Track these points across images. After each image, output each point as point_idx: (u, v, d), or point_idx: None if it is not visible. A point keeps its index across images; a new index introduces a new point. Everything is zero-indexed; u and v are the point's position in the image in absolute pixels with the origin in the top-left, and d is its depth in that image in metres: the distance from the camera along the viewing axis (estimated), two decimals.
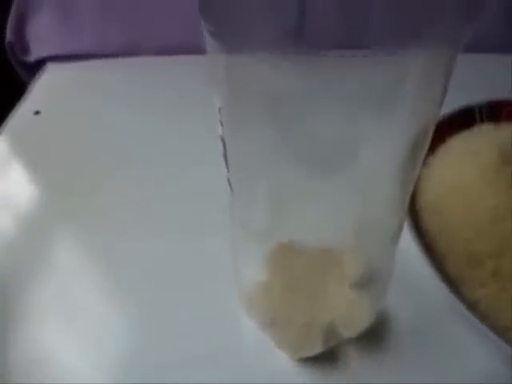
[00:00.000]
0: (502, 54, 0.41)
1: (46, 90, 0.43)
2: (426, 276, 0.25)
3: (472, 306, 0.21)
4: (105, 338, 0.25)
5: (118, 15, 0.44)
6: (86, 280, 0.28)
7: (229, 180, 0.18)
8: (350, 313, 0.23)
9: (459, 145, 0.28)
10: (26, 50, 0.44)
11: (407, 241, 0.23)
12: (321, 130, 0.15)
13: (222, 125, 0.16)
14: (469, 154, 0.27)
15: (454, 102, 0.29)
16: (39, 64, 0.45)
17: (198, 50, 0.42)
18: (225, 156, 0.17)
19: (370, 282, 0.23)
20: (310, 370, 0.24)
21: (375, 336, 0.25)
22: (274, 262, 0.24)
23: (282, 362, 0.24)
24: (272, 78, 0.14)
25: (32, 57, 0.44)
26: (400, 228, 0.20)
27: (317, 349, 0.24)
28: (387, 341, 0.25)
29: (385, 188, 0.17)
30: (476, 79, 0.32)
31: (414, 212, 0.25)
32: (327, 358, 0.24)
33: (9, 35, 0.44)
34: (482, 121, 0.31)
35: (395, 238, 0.21)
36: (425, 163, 0.27)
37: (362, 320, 0.23)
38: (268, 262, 0.24)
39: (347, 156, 0.16)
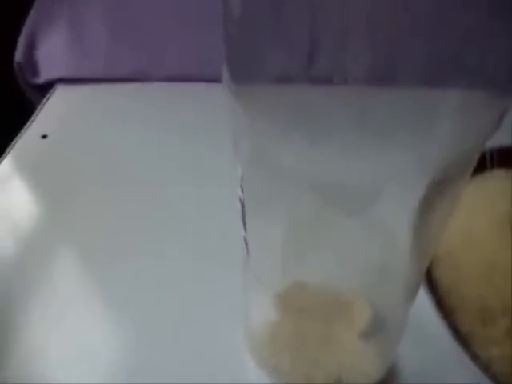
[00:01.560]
0: None
1: (54, 112, 0.43)
2: (438, 330, 0.25)
3: (484, 365, 0.21)
4: (100, 353, 0.25)
5: (131, 39, 0.44)
6: (85, 296, 0.28)
7: (245, 239, 0.17)
8: (358, 364, 0.23)
9: (471, 192, 0.28)
10: (35, 71, 0.44)
11: (420, 293, 0.23)
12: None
13: (242, 190, 0.16)
14: (481, 203, 0.27)
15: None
16: (48, 86, 0.44)
17: (209, 78, 0.43)
18: (243, 217, 0.17)
19: (380, 332, 0.23)
20: None
21: None
22: (284, 301, 0.24)
23: None
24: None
25: (41, 78, 0.44)
26: (418, 280, 0.19)
27: None
28: None
29: (404, 236, 0.16)
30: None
31: None
32: None
33: (18, 56, 0.44)
34: (492, 166, 0.31)
35: (412, 290, 0.20)
36: None
37: (369, 372, 0.23)
38: (278, 301, 0.24)
39: (366, 198, 0.14)
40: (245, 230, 0.17)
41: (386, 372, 0.23)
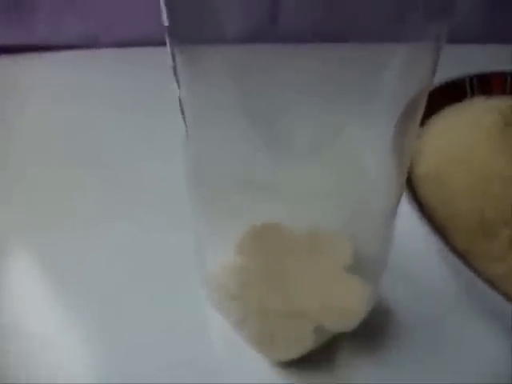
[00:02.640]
0: (480, 45, 0.40)
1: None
2: (424, 257, 0.22)
3: (489, 282, 0.17)
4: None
5: (76, 4, 0.41)
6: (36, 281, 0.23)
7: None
8: (344, 301, 0.19)
9: (454, 114, 0.25)
10: None
11: (403, 220, 0.19)
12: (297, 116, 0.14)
13: (182, 113, 0.15)
14: (465, 123, 0.24)
15: None
16: None
17: (159, 42, 0.39)
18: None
19: (364, 265, 0.19)
20: (295, 376, 0.19)
21: (371, 330, 0.21)
22: (247, 246, 0.20)
23: (259, 366, 0.20)
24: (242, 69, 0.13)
25: None
26: (396, 206, 0.17)
27: (303, 348, 0.19)
28: (385, 336, 0.21)
29: (374, 166, 0.16)
30: (455, 71, 0.30)
31: (409, 187, 0.21)
32: (314, 360, 0.20)
33: None
34: (472, 94, 0.28)
35: (390, 216, 0.18)
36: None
37: (355, 310, 0.19)
38: (239, 247, 0.20)
39: (326, 138, 0.15)
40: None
41: (372, 309, 0.20)
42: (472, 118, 0.24)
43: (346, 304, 0.19)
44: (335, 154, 0.15)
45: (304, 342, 0.19)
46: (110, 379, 0.19)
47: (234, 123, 0.14)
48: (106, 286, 0.23)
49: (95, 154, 0.31)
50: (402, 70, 0.13)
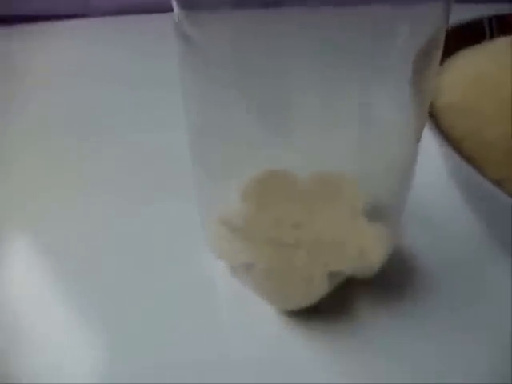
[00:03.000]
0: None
1: None
2: (446, 200, 0.20)
3: None
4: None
5: None
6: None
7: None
8: (362, 244, 0.17)
9: (476, 52, 0.23)
10: None
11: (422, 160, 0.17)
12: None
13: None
14: (491, 55, 0.21)
15: None
16: None
17: (152, 9, 0.38)
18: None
19: (382, 208, 0.17)
20: (304, 326, 0.17)
21: (388, 279, 0.18)
22: (252, 192, 0.18)
23: (265, 316, 0.18)
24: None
25: None
26: (415, 147, 0.16)
27: (314, 295, 0.17)
28: (404, 285, 0.19)
29: (390, 110, 0.15)
30: None
31: (431, 119, 0.19)
32: (326, 309, 0.18)
33: None
34: (491, 35, 0.26)
35: (410, 158, 0.16)
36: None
37: (376, 252, 0.17)
38: (244, 194, 0.18)
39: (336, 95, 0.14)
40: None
41: (391, 255, 0.17)
42: (497, 50, 0.22)
43: (364, 247, 0.17)
44: (347, 109, 0.15)
45: (316, 289, 0.17)
46: (115, 330, 0.18)
47: (238, 85, 0.14)
48: (109, 242, 0.21)
49: (94, 125, 0.29)
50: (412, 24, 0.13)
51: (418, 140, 0.16)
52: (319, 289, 0.17)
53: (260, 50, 0.14)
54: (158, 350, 0.17)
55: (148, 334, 0.17)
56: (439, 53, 0.14)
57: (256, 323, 0.17)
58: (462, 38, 0.25)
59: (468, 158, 0.18)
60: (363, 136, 0.16)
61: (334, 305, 0.17)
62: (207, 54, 0.14)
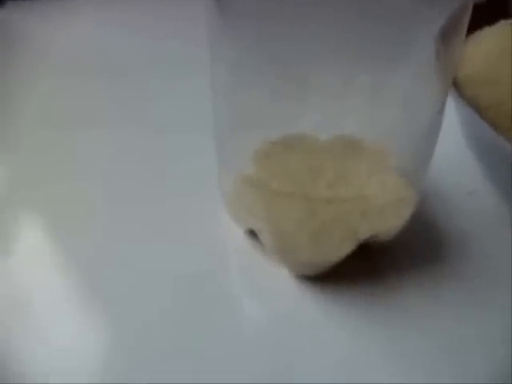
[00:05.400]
0: None
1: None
2: (473, 170, 0.20)
3: None
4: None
5: None
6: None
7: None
8: (386, 204, 0.16)
9: (500, 27, 0.23)
10: None
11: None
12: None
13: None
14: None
15: None
16: None
17: None
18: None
19: (405, 169, 0.17)
20: (322, 291, 0.17)
21: (408, 244, 0.18)
22: (270, 154, 0.18)
23: (281, 281, 0.17)
24: None
25: None
26: (440, 113, 0.16)
27: (334, 257, 0.17)
28: (424, 251, 0.19)
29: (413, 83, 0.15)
30: None
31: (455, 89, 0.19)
32: (344, 274, 0.17)
33: None
34: None
35: (434, 122, 0.16)
36: None
37: (400, 210, 0.16)
38: (263, 155, 0.18)
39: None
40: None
41: (412, 223, 0.17)
42: None
43: (388, 206, 0.16)
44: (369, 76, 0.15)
45: (336, 249, 0.17)
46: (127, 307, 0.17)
47: (264, 47, 0.14)
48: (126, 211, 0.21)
49: (102, 111, 0.27)
50: None
51: (442, 108, 0.16)
52: (336, 251, 0.17)
53: (286, 15, 0.14)
54: (171, 318, 0.16)
55: (158, 304, 0.17)
56: (464, 27, 0.14)
57: (271, 288, 0.17)
58: (485, 14, 0.25)
59: (493, 126, 0.17)
60: (385, 102, 0.15)
61: (352, 268, 0.17)
62: (235, 21, 0.14)
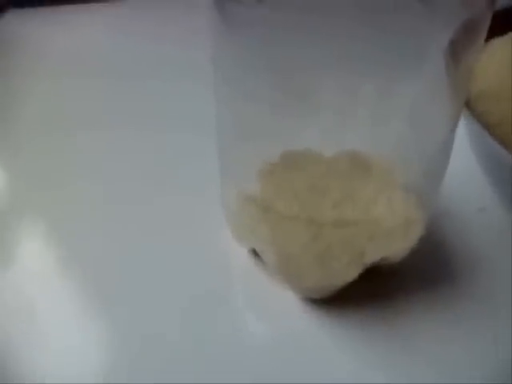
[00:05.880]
0: None
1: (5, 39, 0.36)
2: (484, 187, 0.19)
3: None
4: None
5: None
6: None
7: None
8: (395, 226, 0.16)
9: (507, 40, 0.22)
10: None
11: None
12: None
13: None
14: None
15: None
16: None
17: None
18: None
19: (415, 189, 0.17)
20: (328, 315, 0.17)
21: (418, 266, 0.18)
22: (274, 171, 0.17)
23: (285, 304, 0.17)
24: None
25: None
26: (452, 130, 0.15)
27: (341, 280, 0.16)
28: (434, 272, 0.18)
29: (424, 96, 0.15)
30: None
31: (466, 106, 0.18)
32: (351, 297, 0.17)
33: None
34: None
35: (446, 140, 0.16)
36: None
37: (410, 231, 0.16)
38: (266, 173, 0.17)
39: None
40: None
41: (424, 240, 0.17)
42: None
43: (397, 228, 0.16)
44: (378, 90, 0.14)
45: (343, 274, 0.16)
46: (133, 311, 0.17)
47: (268, 62, 0.14)
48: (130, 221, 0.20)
49: (103, 115, 0.27)
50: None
51: (454, 127, 0.15)
52: (343, 275, 0.16)
53: (290, 37, 0.13)
54: (172, 335, 0.16)
55: (160, 320, 0.17)
56: (476, 41, 0.14)
57: (276, 310, 0.17)
58: (494, 26, 0.24)
59: (503, 144, 0.17)
60: (395, 119, 0.15)
61: (360, 291, 0.17)
62: (240, 36, 0.14)
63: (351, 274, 0.16)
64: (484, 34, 0.14)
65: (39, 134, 0.26)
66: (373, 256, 0.16)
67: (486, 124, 0.18)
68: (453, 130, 0.15)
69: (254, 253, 0.18)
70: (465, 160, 0.21)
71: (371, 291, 0.17)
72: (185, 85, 0.28)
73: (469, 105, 0.19)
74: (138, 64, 0.31)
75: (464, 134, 0.20)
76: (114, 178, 0.23)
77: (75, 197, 0.22)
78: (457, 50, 0.13)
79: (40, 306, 0.17)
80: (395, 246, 0.16)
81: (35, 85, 0.30)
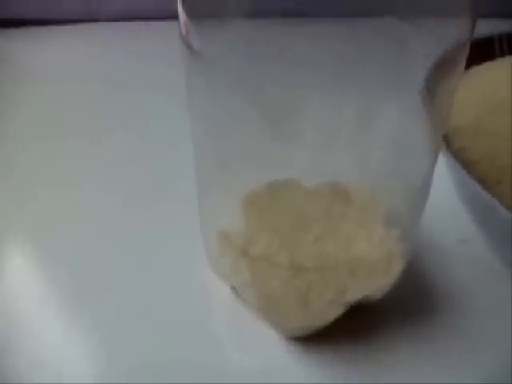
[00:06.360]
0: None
1: None
2: (464, 219, 0.19)
3: None
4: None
5: None
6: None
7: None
8: (376, 262, 0.16)
9: (488, 70, 0.22)
10: None
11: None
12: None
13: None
14: (500, 74, 0.21)
15: None
16: None
17: (163, 15, 0.37)
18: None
19: (395, 221, 0.17)
20: (311, 354, 0.16)
21: (401, 300, 0.18)
22: (255, 202, 0.17)
23: (267, 342, 0.17)
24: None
25: None
26: (432, 164, 0.15)
27: (322, 319, 0.16)
28: (417, 306, 0.18)
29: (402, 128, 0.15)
30: None
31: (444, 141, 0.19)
32: (334, 334, 0.17)
33: None
34: (502, 54, 0.26)
35: (426, 174, 0.16)
36: None
37: (391, 265, 0.16)
38: (248, 204, 0.17)
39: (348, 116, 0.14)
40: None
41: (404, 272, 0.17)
42: (509, 69, 0.21)
43: (378, 264, 0.16)
44: (358, 121, 0.14)
45: (325, 313, 0.16)
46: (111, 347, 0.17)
47: (244, 97, 0.14)
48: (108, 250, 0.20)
49: (95, 132, 0.28)
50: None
51: (435, 160, 0.15)
52: (325, 314, 0.16)
53: (267, 63, 0.13)
54: (155, 373, 0.16)
55: (144, 356, 0.16)
56: (453, 75, 0.14)
57: (257, 348, 0.17)
58: (470, 55, 0.25)
59: (482, 181, 0.17)
60: (374, 149, 0.15)
61: (343, 328, 0.17)
62: (213, 66, 0.14)
63: (333, 313, 0.16)
64: (462, 64, 0.14)
65: (29, 145, 0.26)
66: (355, 294, 0.16)
67: (465, 160, 0.18)
68: (434, 164, 0.15)
69: (236, 289, 0.18)
70: (444, 191, 0.21)
71: (353, 327, 0.17)
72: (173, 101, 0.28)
73: (447, 140, 0.19)
74: (132, 78, 0.32)
75: (443, 165, 0.20)
76: (97, 199, 0.23)
77: (62, 207, 0.22)
78: (433, 84, 0.14)
79: (29, 320, 0.18)
80: (377, 282, 0.16)
81: (23, 101, 0.30)
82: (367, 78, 0.13)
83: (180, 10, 0.13)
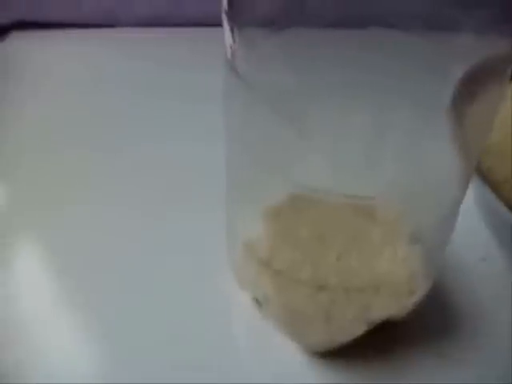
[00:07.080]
0: None
1: (8, 62, 0.36)
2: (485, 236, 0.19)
3: None
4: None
5: None
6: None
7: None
8: (399, 276, 0.16)
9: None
10: None
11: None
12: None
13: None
14: None
15: None
16: (2, 32, 0.38)
17: (181, 21, 0.37)
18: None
19: (422, 239, 0.17)
20: (333, 370, 0.16)
21: (425, 319, 0.17)
22: (280, 215, 0.17)
23: (290, 357, 0.17)
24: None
25: None
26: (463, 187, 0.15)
27: (346, 335, 0.16)
28: (442, 326, 0.18)
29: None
30: None
31: None
32: (356, 351, 0.16)
33: None
34: None
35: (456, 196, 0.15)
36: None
37: (415, 286, 0.16)
38: (272, 216, 0.17)
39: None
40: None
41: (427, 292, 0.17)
42: None
43: (402, 284, 0.16)
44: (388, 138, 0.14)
45: (348, 331, 0.16)
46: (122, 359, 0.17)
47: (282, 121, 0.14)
48: (130, 258, 0.20)
49: (110, 138, 0.28)
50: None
51: (466, 185, 0.15)
52: (348, 331, 0.16)
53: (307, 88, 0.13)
54: (172, 381, 0.16)
55: (162, 364, 0.17)
56: (491, 91, 0.13)
57: (279, 364, 0.16)
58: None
59: (507, 202, 0.17)
60: (401, 167, 0.15)
61: (366, 345, 0.16)
62: (256, 92, 0.14)
63: (356, 330, 0.16)
64: (497, 82, 0.13)
65: (38, 152, 0.27)
66: (378, 313, 0.16)
67: (492, 181, 0.18)
68: (465, 187, 0.15)
69: (258, 301, 0.18)
70: (465, 207, 0.21)
71: (377, 344, 0.17)
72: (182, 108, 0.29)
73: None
74: (151, 85, 0.32)
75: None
76: (113, 206, 0.23)
77: (70, 216, 0.22)
78: (461, 103, 0.13)
79: (35, 322, 0.18)
80: (401, 302, 0.16)
81: (36, 105, 0.31)
82: (403, 98, 0.13)
83: (227, 35, 0.13)
